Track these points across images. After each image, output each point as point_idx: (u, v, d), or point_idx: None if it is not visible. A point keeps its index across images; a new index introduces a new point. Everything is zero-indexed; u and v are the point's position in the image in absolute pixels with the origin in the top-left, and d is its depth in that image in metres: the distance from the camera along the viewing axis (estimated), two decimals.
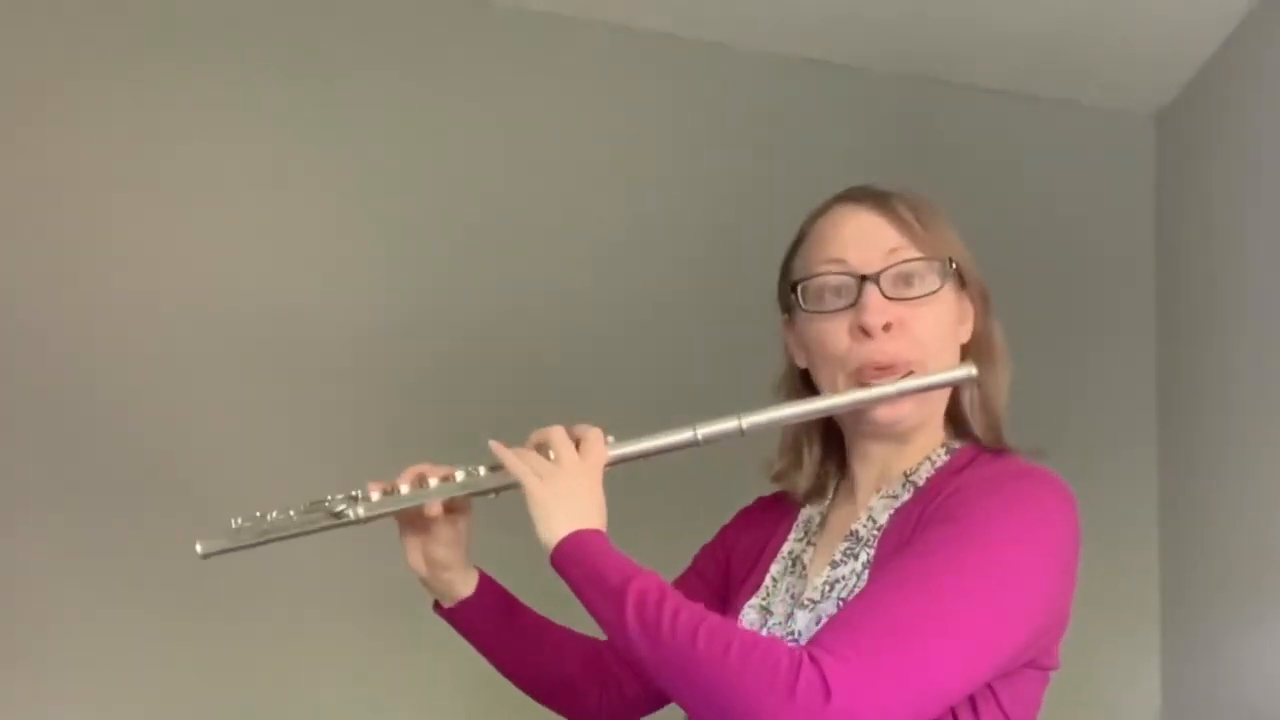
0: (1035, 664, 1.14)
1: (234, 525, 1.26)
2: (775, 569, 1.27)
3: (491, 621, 1.33)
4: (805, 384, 1.27)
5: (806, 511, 1.30)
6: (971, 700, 1.09)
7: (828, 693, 0.97)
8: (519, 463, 1.17)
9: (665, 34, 2.37)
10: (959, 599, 1.02)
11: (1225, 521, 2.26)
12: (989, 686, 1.09)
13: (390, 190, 2.21)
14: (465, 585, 1.32)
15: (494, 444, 1.21)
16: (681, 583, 1.35)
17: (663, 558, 1.21)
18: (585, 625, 1.36)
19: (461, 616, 1.33)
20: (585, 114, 2.34)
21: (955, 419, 1.24)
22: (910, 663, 1.00)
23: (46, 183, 2.03)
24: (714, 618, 1.05)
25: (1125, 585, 2.47)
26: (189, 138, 2.10)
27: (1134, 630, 2.48)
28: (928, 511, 1.12)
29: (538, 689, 1.37)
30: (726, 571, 1.34)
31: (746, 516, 1.39)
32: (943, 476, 1.18)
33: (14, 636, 1.94)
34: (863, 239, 1.19)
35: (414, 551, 1.30)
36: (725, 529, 1.40)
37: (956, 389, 1.22)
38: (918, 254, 1.18)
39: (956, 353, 1.21)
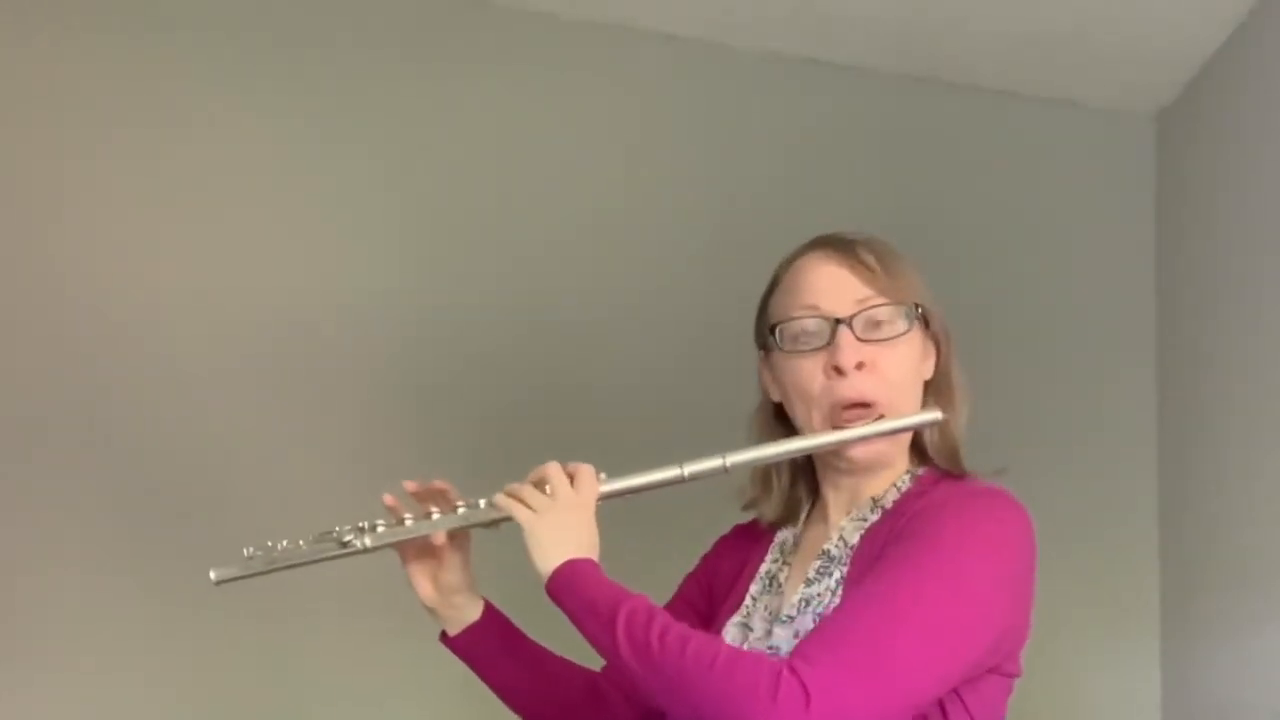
0: (999, 670, 1.21)
1: (246, 554, 1.33)
2: (754, 588, 1.34)
3: (498, 648, 1.38)
4: (779, 417, 1.36)
5: (781, 534, 1.38)
6: (940, 704, 1.17)
7: (807, 699, 1.05)
8: (511, 502, 1.24)
9: (665, 34, 2.37)
10: (924, 609, 1.11)
11: (1225, 522, 2.26)
12: (956, 692, 1.17)
13: (388, 191, 2.21)
14: (474, 610, 1.37)
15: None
16: (669, 608, 1.39)
17: (650, 584, 1.25)
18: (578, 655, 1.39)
19: (470, 642, 1.37)
20: (585, 114, 2.33)
21: (919, 449, 1.33)
22: (881, 668, 1.08)
23: (53, 189, 2.04)
24: (700, 635, 1.12)
25: (1125, 585, 2.47)
26: (192, 141, 2.10)
27: (1134, 630, 2.48)
28: (895, 529, 1.21)
29: (538, 716, 1.41)
30: (710, 594, 1.41)
31: (725, 543, 1.46)
32: (908, 499, 1.27)
33: (30, 641, 1.95)
34: (833, 288, 1.27)
35: (423, 581, 1.35)
36: (706, 556, 1.47)
37: None
38: (885, 300, 1.27)
39: (920, 389, 1.30)
